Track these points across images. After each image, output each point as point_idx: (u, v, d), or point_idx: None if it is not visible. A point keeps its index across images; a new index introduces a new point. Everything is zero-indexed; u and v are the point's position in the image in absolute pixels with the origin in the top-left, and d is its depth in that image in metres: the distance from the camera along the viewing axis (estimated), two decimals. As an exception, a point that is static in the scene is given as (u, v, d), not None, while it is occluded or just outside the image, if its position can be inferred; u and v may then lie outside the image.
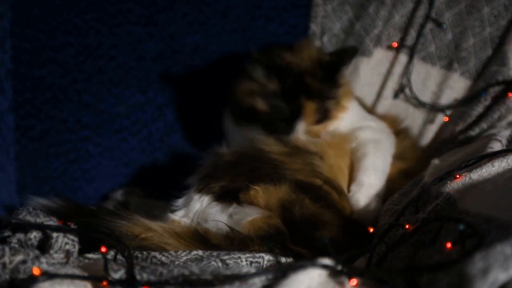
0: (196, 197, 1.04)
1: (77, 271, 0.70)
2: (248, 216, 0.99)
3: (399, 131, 1.33)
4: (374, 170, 1.15)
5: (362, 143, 1.20)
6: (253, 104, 1.21)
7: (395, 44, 1.48)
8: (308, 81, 1.18)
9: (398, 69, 1.48)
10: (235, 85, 1.27)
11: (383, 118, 1.35)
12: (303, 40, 1.28)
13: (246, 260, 0.84)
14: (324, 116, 1.21)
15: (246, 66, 1.21)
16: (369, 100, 1.49)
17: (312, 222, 0.98)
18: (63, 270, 0.68)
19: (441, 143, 1.38)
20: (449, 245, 0.69)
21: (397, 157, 1.23)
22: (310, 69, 1.20)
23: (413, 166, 1.21)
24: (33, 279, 0.63)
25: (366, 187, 1.12)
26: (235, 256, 0.84)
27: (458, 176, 0.92)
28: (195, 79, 1.51)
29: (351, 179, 1.16)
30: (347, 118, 1.26)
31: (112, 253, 0.82)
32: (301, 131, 1.18)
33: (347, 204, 1.10)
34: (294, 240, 0.95)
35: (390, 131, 1.29)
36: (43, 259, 0.69)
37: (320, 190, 1.06)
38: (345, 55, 1.20)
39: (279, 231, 0.96)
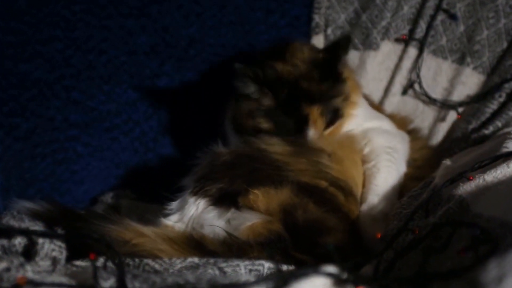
0: (191, 200, 1.04)
1: (64, 280, 0.69)
2: (247, 221, 0.98)
3: (409, 132, 1.33)
4: (385, 190, 1.14)
5: (376, 152, 1.19)
6: (255, 124, 1.19)
7: (404, 37, 1.48)
8: (305, 86, 1.16)
9: (407, 63, 1.48)
10: (232, 106, 1.27)
11: (392, 117, 1.34)
12: (293, 44, 1.24)
13: (245, 268, 0.84)
14: (335, 116, 1.19)
15: (235, 83, 1.17)
16: (376, 96, 1.48)
17: (315, 228, 0.98)
18: (49, 279, 0.67)
19: (453, 143, 1.37)
20: (461, 251, 0.69)
21: (408, 163, 1.23)
22: (305, 73, 1.18)
23: (424, 171, 1.21)
24: (18, 288, 0.63)
25: (376, 210, 1.11)
26: (233, 264, 0.84)
27: (471, 177, 0.91)
28: (191, 75, 1.50)
29: (363, 186, 1.16)
30: (359, 115, 1.25)
31: (101, 260, 0.82)
32: (310, 132, 1.16)
33: (354, 206, 1.10)
34: (296, 247, 0.95)
35: (405, 135, 1.29)
36: (28, 267, 0.69)
37: (325, 193, 1.06)
38: (339, 47, 1.18)
39: (280, 237, 0.96)
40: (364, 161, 1.19)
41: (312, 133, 1.16)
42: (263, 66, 1.18)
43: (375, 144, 1.20)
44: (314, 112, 1.16)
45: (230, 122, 1.28)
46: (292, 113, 1.16)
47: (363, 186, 1.17)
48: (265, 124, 1.18)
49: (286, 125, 1.17)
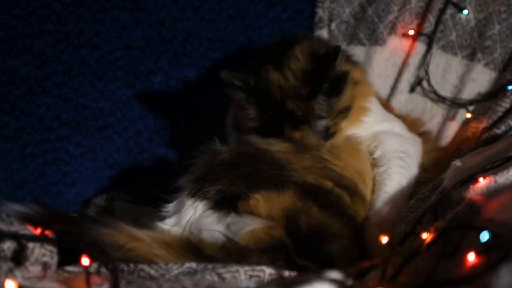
0: (188, 202, 1.04)
1: (56, 286, 0.70)
2: (247, 227, 0.98)
3: (419, 134, 1.32)
4: (395, 198, 1.13)
5: (387, 156, 1.18)
6: (248, 129, 1.20)
7: (411, 32, 1.48)
8: (291, 107, 1.15)
9: (415, 59, 1.48)
10: (232, 103, 1.28)
11: (403, 119, 1.34)
12: (295, 47, 1.21)
13: (245, 274, 0.84)
14: (324, 135, 1.17)
15: (226, 88, 1.18)
16: (382, 94, 1.48)
17: (319, 234, 0.98)
18: (40, 285, 0.67)
19: (463, 143, 1.37)
20: (472, 257, 0.69)
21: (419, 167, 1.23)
22: (293, 90, 1.15)
23: (432, 175, 1.20)
24: (6, 295, 0.63)
25: (385, 219, 1.10)
26: (233, 269, 0.84)
27: (482, 178, 0.91)
28: (188, 71, 1.50)
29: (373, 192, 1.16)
30: (371, 121, 1.23)
31: (95, 265, 0.82)
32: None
33: (360, 207, 1.10)
34: (299, 253, 0.95)
35: (417, 137, 1.28)
36: (17, 272, 0.69)
37: (330, 195, 1.06)
38: (327, 59, 1.12)
39: (282, 243, 0.96)
40: (375, 164, 1.18)
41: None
42: (259, 71, 1.17)
43: (386, 147, 1.20)
44: (297, 137, 1.15)
45: (231, 119, 1.29)
46: (274, 135, 1.15)
47: (373, 190, 1.16)
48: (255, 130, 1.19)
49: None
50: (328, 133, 1.17)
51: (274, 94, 1.16)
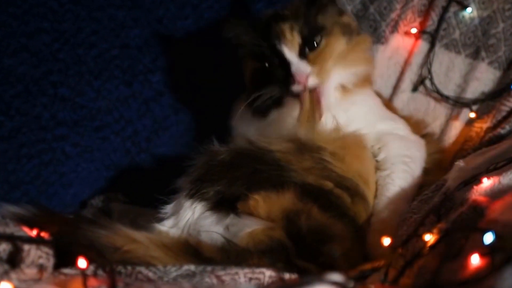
0: (187, 204, 1.04)
1: (51, 289, 0.69)
2: (246, 228, 0.98)
3: (423, 136, 1.32)
4: (398, 204, 1.12)
5: (391, 160, 1.18)
6: (252, 71, 1.24)
7: (414, 30, 1.48)
8: (284, 13, 1.20)
9: (418, 58, 1.48)
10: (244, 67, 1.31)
11: (406, 120, 1.33)
12: None
13: (245, 276, 0.83)
14: (314, 30, 1.19)
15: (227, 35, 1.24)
16: (384, 93, 1.48)
17: (320, 235, 0.98)
18: (36, 287, 0.67)
19: (466, 143, 1.37)
20: (475, 259, 0.69)
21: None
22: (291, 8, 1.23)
23: (434, 177, 1.20)
24: (2, 297, 0.63)
25: (387, 225, 1.10)
26: (232, 272, 0.84)
27: (486, 179, 0.91)
28: (187, 70, 1.50)
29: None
30: (374, 120, 1.23)
31: (91, 268, 0.82)
32: (294, 60, 1.16)
33: (362, 208, 1.09)
34: (299, 255, 0.95)
35: (421, 140, 1.28)
36: (13, 275, 0.69)
37: (330, 195, 1.06)
38: None
39: (282, 245, 0.96)
40: (378, 168, 1.18)
41: (288, 52, 1.16)
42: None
43: (391, 151, 1.19)
44: (283, 27, 1.17)
45: (245, 101, 1.27)
46: (266, 39, 1.19)
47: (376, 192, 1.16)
48: (256, 64, 1.23)
49: (264, 53, 1.19)
50: (322, 32, 1.19)
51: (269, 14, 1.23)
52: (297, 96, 1.16)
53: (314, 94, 1.15)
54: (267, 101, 1.19)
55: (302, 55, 1.17)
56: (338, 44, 1.21)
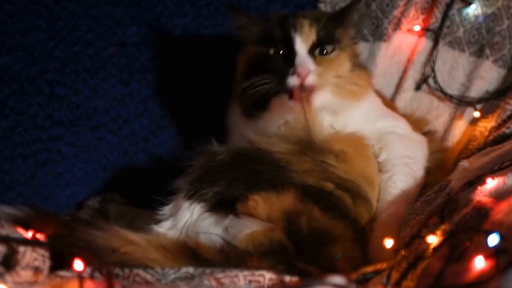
0: (185, 205, 1.04)
1: (47, 292, 0.69)
2: (246, 229, 0.99)
3: (424, 134, 1.32)
4: (400, 207, 1.12)
5: (392, 161, 1.18)
6: (253, 57, 1.23)
7: (417, 28, 1.48)
8: (302, 13, 1.22)
9: (421, 56, 1.48)
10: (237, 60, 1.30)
11: (407, 118, 1.33)
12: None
13: (244, 279, 0.84)
14: (329, 38, 1.19)
15: (230, 22, 1.26)
16: (386, 92, 1.49)
17: (321, 237, 0.98)
18: (31, 290, 0.67)
19: (470, 142, 1.37)
20: (480, 261, 0.69)
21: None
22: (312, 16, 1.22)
23: (436, 178, 1.20)
24: (-4, 300, 0.63)
25: (389, 231, 1.10)
26: (231, 274, 0.84)
27: (490, 180, 0.91)
28: (185, 68, 1.50)
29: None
30: (373, 115, 1.23)
31: (88, 270, 0.82)
32: (302, 53, 1.15)
33: (363, 209, 1.09)
34: (300, 257, 0.95)
35: (422, 138, 1.28)
36: (8, 277, 0.69)
37: (331, 197, 1.06)
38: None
39: (282, 246, 0.96)
40: (379, 169, 1.18)
41: (300, 45, 1.16)
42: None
43: (392, 152, 1.19)
44: (303, 22, 1.18)
45: (237, 100, 1.28)
46: (280, 27, 1.19)
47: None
48: (260, 49, 1.21)
49: (274, 38, 1.18)
50: (335, 40, 1.20)
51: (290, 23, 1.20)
52: (287, 92, 1.15)
53: (306, 94, 1.15)
54: (256, 94, 1.16)
55: (311, 52, 1.17)
56: (345, 65, 1.21)
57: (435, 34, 1.47)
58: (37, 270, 0.78)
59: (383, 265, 0.92)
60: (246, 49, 1.27)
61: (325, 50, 1.18)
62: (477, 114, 1.41)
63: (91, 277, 0.81)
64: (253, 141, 1.13)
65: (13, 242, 0.78)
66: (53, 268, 0.82)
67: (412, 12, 1.48)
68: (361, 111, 1.22)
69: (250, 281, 0.84)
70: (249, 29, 1.24)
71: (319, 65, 1.16)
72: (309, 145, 1.12)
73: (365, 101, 1.23)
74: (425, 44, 1.48)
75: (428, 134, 1.33)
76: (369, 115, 1.23)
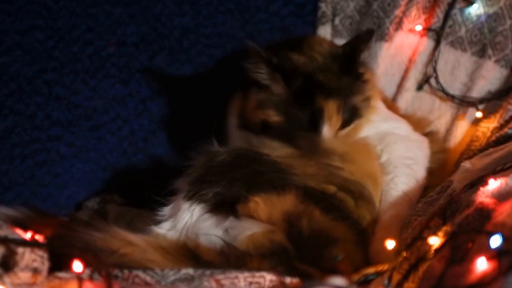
0: (185, 206, 1.04)
1: (46, 293, 0.69)
2: (246, 231, 0.98)
3: (425, 134, 1.32)
4: (402, 209, 1.13)
5: (394, 163, 1.18)
6: (265, 117, 1.19)
7: (418, 27, 1.48)
8: (321, 78, 1.16)
9: (423, 56, 1.48)
10: (238, 97, 1.27)
11: (408, 118, 1.34)
12: (312, 36, 1.26)
13: (245, 280, 0.84)
14: (353, 115, 1.18)
15: (245, 64, 1.17)
16: (388, 92, 1.49)
17: (322, 238, 0.98)
18: (30, 292, 0.67)
19: (473, 143, 1.37)
20: (482, 262, 0.69)
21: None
22: (323, 66, 1.18)
23: (438, 179, 1.20)
24: (-5, 302, 0.63)
25: (391, 233, 1.10)
26: (232, 276, 0.84)
27: (493, 181, 0.91)
28: (185, 68, 1.50)
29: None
30: (377, 119, 1.24)
31: (87, 271, 0.82)
32: (325, 131, 1.15)
33: (366, 211, 1.10)
34: (301, 258, 0.95)
35: (424, 138, 1.28)
36: (6, 278, 0.69)
37: (333, 199, 1.06)
38: (360, 40, 1.17)
39: (283, 248, 0.96)
40: (381, 170, 1.18)
41: (326, 130, 1.15)
42: (277, 54, 1.17)
43: (393, 153, 1.19)
44: (330, 106, 1.15)
45: (235, 116, 1.28)
46: (305, 106, 1.15)
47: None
48: (275, 117, 1.17)
49: (298, 119, 1.16)
50: (356, 114, 1.18)
51: (302, 67, 1.17)
52: None
53: None
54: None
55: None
56: (361, 129, 1.22)
57: (437, 34, 1.47)
58: (36, 271, 0.78)
59: (385, 267, 0.92)
60: (254, 99, 1.21)
61: (347, 125, 1.19)
62: (479, 114, 1.41)
63: (90, 278, 0.81)
64: (254, 145, 1.13)
65: (11, 243, 0.78)
66: (52, 270, 0.82)
67: (413, 11, 1.48)
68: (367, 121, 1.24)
69: (251, 283, 0.84)
70: (268, 89, 1.18)
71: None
72: (312, 148, 1.12)
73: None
74: (427, 44, 1.48)
75: (429, 135, 1.34)
76: (377, 122, 1.24)
